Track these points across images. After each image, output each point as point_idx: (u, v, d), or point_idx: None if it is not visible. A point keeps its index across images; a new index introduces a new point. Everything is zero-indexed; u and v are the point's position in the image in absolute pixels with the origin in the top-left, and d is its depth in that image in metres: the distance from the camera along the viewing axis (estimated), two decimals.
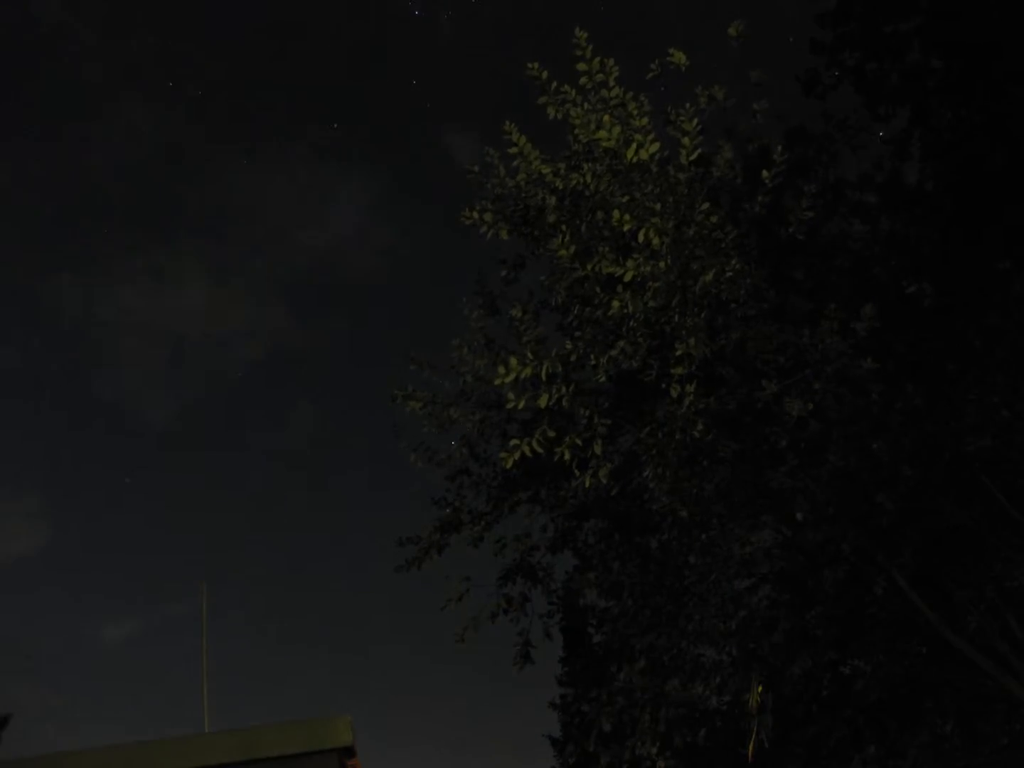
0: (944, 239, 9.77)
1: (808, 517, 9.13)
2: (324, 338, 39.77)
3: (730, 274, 8.06)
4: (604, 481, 8.20)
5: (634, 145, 7.88)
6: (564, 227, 8.23)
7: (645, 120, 7.95)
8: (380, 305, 40.06)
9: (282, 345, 40.43)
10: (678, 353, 7.95)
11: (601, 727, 11.40)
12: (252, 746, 6.40)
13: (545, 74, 8.13)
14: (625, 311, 7.91)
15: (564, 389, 7.96)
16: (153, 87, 35.63)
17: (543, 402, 7.92)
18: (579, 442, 8.05)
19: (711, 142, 8.70)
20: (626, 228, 7.80)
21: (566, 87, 8.10)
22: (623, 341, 8.12)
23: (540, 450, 7.94)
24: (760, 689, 10.29)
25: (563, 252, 8.01)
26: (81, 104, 35.76)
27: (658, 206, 7.89)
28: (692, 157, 8.06)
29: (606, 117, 7.97)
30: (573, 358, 8.15)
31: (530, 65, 8.16)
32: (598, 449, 8.08)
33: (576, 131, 8.10)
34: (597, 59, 8.00)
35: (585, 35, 7.93)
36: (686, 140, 8.02)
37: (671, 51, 8.12)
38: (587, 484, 8.32)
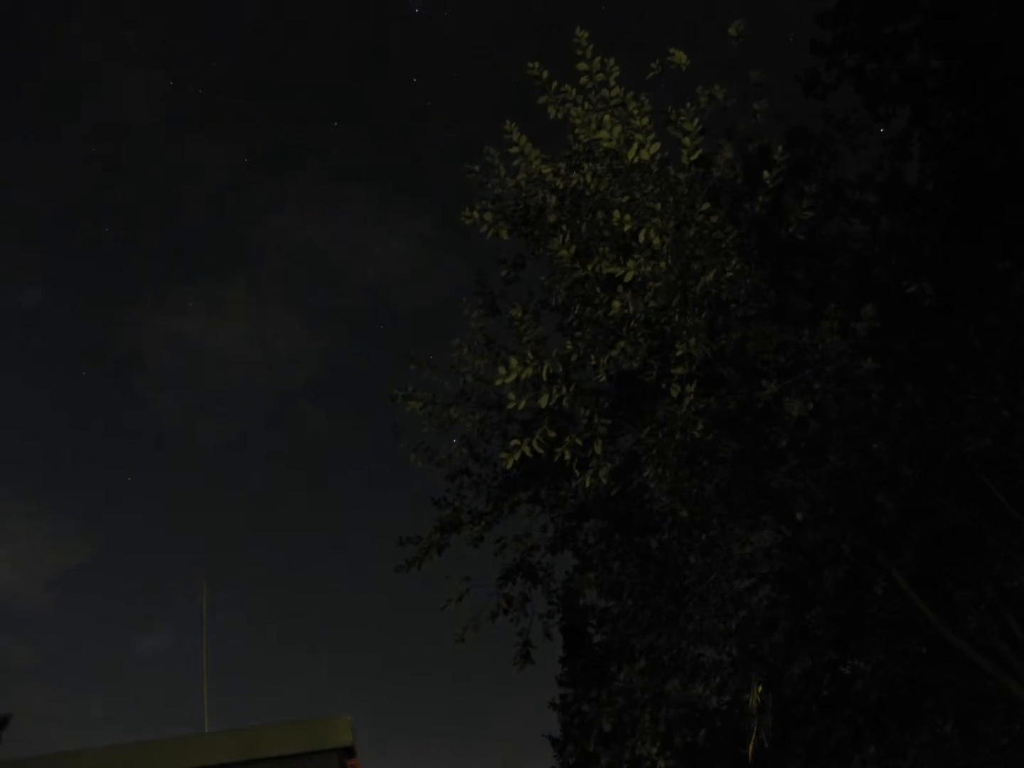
0: (944, 239, 9.76)
1: (808, 517, 9.12)
2: (324, 338, 39.74)
3: (730, 274, 8.07)
4: (604, 481, 8.19)
5: (635, 145, 7.89)
6: (564, 227, 8.23)
7: (646, 120, 7.96)
8: (380, 305, 40.06)
9: (282, 345, 40.41)
10: (678, 353, 7.95)
11: (601, 727, 11.37)
12: (252, 746, 6.40)
13: (545, 74, 8.14)
14: (625, 311, 7.91)
15: (564, 389, 7.96)
16: (153, 87, 35.59)
17: (543, 402, 7.92)
18: (579, 442, 8.05)
19: (711, 142, 8.70)
20: (626, 228, 7.80)
21: (566, 87, 8.11)
22: (623, 341, 8.11)
23: (540, 450, 7.95)
24: (760, 689, 10.28)
25: (563, 252, 8.01)
26: (80, 104, 35.72)
27: (658, 206, 7.89)
28: (693, 157, 8.06)
29: (606, 117, 7.98)
30: (573, 358, 8.15)
31: (530, 65, 8.17)
32: (598, 449, 8.08)
33: (576, 131, 8.10)
34: (597, 59, 8.01)
35: (586, 35, 7.95)
36: (686, 140, 8.03)
37: (671, 51, 8.12)
38: (587, 484, 8.32)
